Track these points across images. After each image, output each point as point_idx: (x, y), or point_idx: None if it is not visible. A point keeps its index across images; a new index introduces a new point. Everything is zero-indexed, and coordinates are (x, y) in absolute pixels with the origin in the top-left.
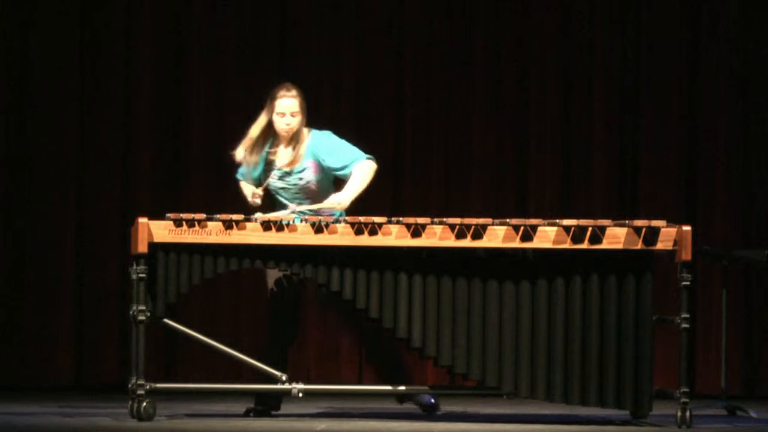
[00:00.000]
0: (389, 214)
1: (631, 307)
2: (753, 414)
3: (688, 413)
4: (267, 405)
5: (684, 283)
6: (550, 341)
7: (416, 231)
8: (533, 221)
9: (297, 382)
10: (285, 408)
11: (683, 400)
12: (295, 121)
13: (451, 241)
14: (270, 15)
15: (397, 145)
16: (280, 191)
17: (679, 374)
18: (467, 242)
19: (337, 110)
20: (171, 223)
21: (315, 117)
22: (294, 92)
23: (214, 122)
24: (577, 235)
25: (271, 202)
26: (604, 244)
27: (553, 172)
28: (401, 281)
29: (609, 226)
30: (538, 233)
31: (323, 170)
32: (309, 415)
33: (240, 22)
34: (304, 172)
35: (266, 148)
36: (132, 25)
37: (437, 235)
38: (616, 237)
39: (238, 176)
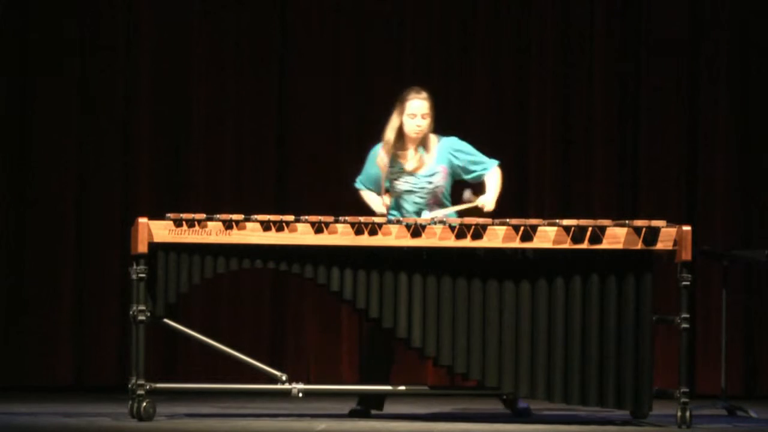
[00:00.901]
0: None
1: (631, 307)
2: (753, 414)
3: (688, 413)
4: (368, 405)
5: (684, 283)
6: (550, 341)
7: (416, 231)
8: (533, 221)
9: (297, 382)
10: (285, 408)
11: (683, 400)
12: (426, 123)
13: (451, 241)
14: (270, 15)
15: None
16: (405, 194)
17: (679, 374)
18: (467, 242)
19: (337, 110)
20: (171, 223)
21: (314, 117)
22: (424, 94)
23: (214, 122)
24: (577, 235)
25: (393, 206)
26: (604, 244)
27: (553, 172)
28: (401, 281)
29: (609, 226)
30: (538, 233)
31: (452, 176)
32: (309, 415)
33: (240, 22)
34: (435, 176)
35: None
36: (132, 25)
37: (437, 235)
38: (616, 237)
39: (358, 185)
